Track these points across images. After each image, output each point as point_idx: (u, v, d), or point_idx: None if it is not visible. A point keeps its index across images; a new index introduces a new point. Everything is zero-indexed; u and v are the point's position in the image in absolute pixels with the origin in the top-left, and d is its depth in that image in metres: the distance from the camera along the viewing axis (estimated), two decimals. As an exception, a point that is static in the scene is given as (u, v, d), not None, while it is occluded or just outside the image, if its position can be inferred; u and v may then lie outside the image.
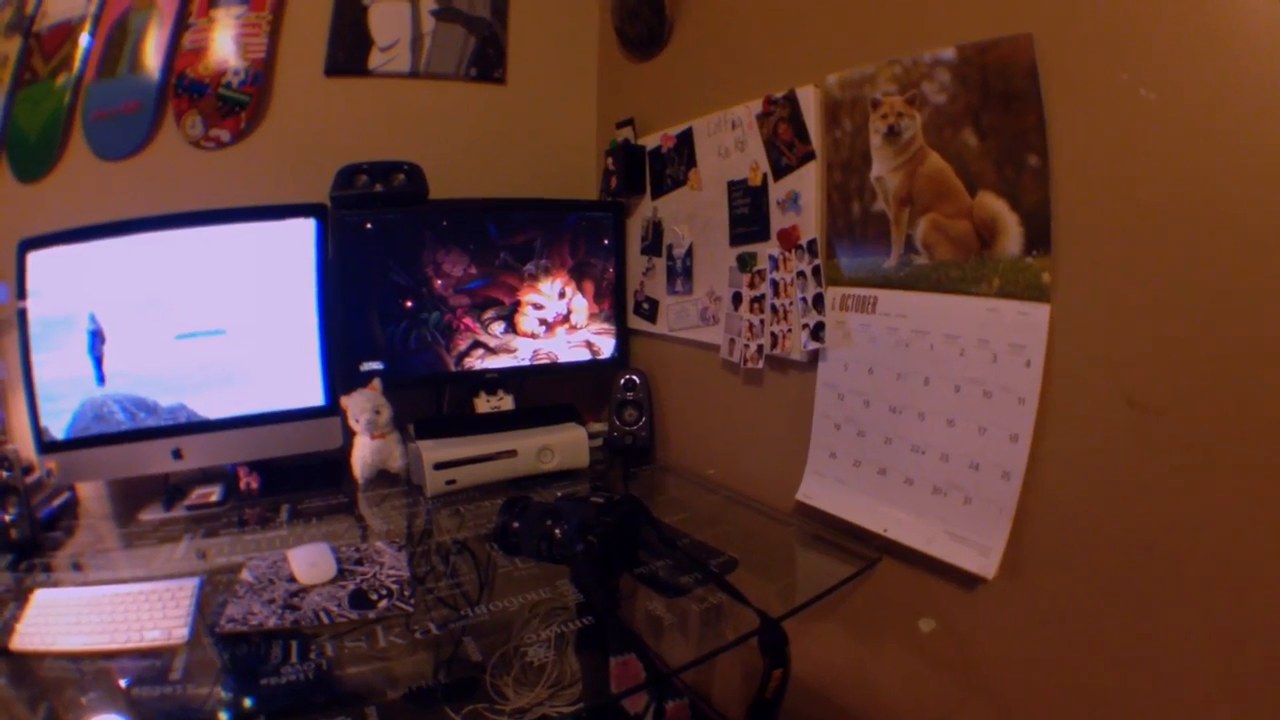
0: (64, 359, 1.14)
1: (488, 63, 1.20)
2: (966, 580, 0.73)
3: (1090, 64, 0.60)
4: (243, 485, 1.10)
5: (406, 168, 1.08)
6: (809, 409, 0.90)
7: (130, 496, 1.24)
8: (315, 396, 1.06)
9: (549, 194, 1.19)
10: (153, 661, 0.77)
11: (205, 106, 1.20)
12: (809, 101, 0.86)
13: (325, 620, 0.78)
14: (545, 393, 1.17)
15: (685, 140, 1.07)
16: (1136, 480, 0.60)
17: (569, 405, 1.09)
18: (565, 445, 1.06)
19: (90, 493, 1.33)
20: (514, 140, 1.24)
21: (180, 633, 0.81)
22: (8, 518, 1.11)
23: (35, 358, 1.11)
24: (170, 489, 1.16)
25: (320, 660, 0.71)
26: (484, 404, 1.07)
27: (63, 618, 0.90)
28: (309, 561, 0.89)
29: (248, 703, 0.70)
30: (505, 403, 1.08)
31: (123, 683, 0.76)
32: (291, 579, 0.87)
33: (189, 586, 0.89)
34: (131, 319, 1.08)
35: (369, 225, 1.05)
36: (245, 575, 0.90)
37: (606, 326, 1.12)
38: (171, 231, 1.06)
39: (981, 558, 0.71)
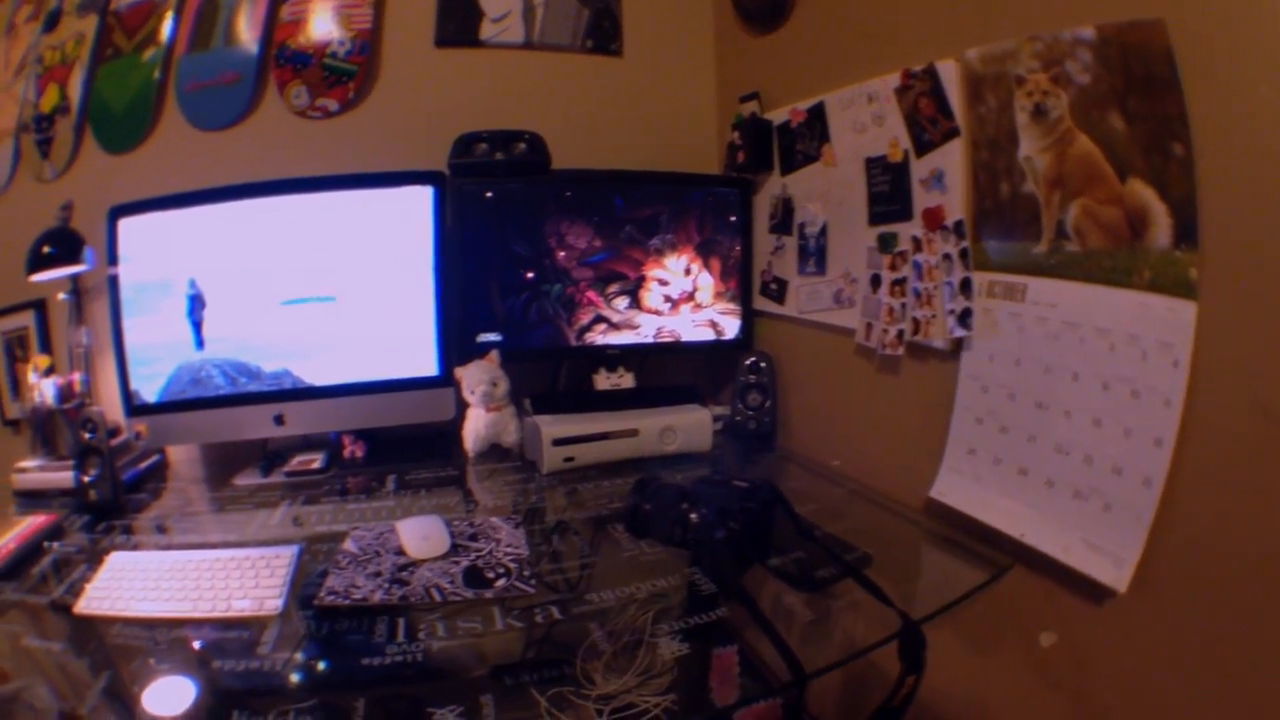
0: (157, 324, 1.25)
1: (604, 35, 1.33)
2: (1094, 593, 0.79)
3: (1226, 53, 0.66)
4: (347, 453, 1.19)
5: (528, 137, 1.18)
6: (948, 401, 0.96)
7: (224, 461, 1.37)
8: (428, 366, 1.15)
9: (666, 168, 1.34)
10: (239, 633, 0.79)
11: (310, 77, 1.36)
12: (950, 76, 0.93)
13: (437, 598, 0.81)
14: (665, 372, 1.31)
15: (817, 114, 1.17)
16: (1275, 497, 0.64)
17: (691, 386, 1.17)
18: (688, 427, 1.17)
19: (181, 456, 1.40)
20: (631, 113, 1.42)
21: (273, 603, 0.83)
22: (87, 478, 1.18)
23: (126, 322, 1.23)
24: (269, 455, 1.31)
25: (431, 641, 0.73)
26: (604, 381, 1.15)
27: (139, 582, 0.92)
28: (420, 534, 0.93)
29: (346, 684, 0.71)
30: (626, 380, 1.15)
31: (200, 653, 0.78)
32: (399, 552, 0.91)
33: (286, 555, 0.92)
34: (236, 284, 1.21)
35: (489, 194, 1.16)
36: (348, 545, 0.94)
37: (731, 306, 1.21)
38: (282, 198, 1.20)
39: (1115, 569, 0.76)
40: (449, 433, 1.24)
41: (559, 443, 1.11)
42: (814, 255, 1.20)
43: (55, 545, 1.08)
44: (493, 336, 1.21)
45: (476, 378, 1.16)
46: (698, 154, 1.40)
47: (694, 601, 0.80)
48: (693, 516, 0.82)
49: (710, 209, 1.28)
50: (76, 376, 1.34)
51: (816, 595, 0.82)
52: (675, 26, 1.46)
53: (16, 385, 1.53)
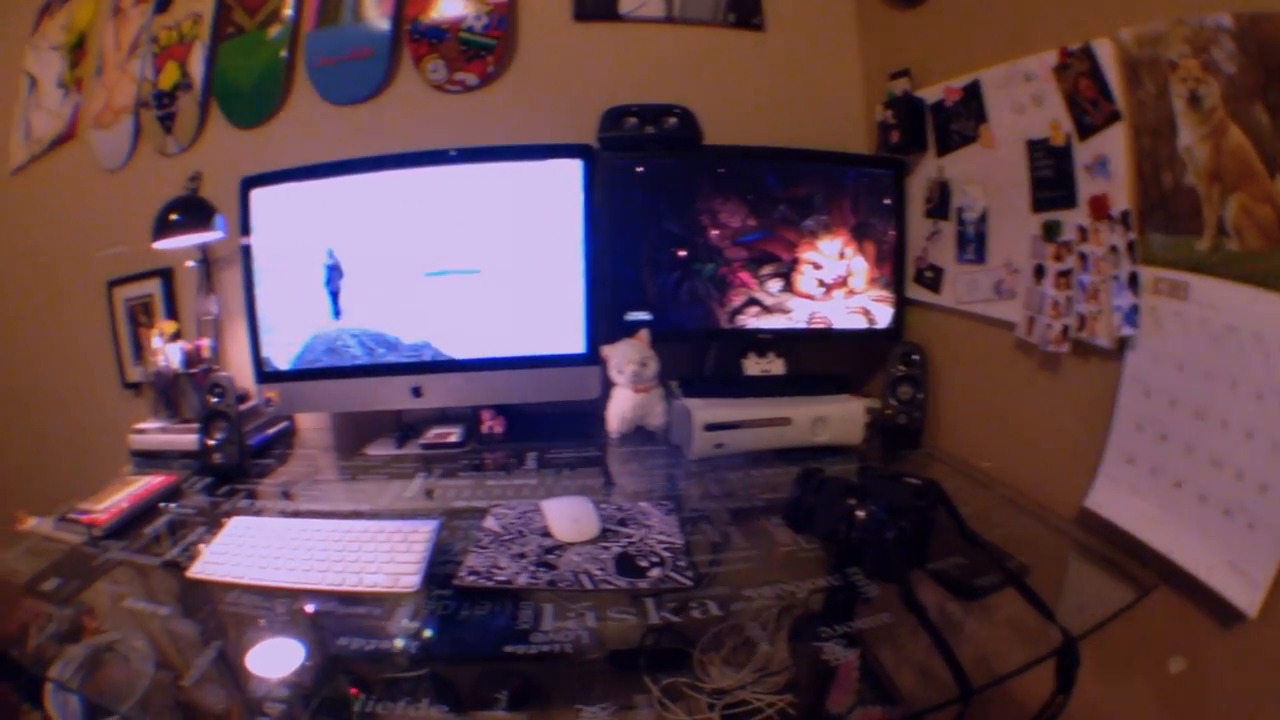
0: (292, 292, 1.23)
1: (746, 8, 1.31)
2: (1225, 616, 0.76)
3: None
4: (485, 428, 1.14)
5: (678, 111, 1.13)
6: (1108, 404, 0.92)
7: (355, 431, 1.38)
8: (574, 344, 1.08)
9: (810, 146, 1.33)
10: (369, 610, 0.74)
11: (446, 51, 1.37)
12: (1106, 56, 0.90)
13: (587, 585, 0.76)
14: (812, 359, 1.31)
15: (973, 93, 1.14)
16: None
17: (841, 375, 1.07)
18: (840, 418, 1.16)
19: (310, 425, 1.36)
20: (774, 89, 1.42)
21: (409, 580, 0.78)
22: (211, 442, 1.17)
23: (259, 290, 1.23)
24: (403, 426, 1.29)
25: (580, 632, 0.69)
26: (754, 366, 1.08)
27: (260, 548, 0.88)
28: (569, 516, 0.90)
29: (487, 672, 0.67)
30: (776, 366, 1.08)
31: (324, 628, 0.73)
32: (545, 533, 0.88)
33: (425, 530, 0.88)
34: (378, 256, 1.21)
35: (640, 169, 1.07)
36: (489, 523, 0.92)
37: (884, 294, 1.16)
38: (426, 169, 1.20)
39: (1249, 592, 0.73)
40: (591, 412, 1.19)
41: (711, 428, 1.09)
42: (973, 242, 1.17)
43: (172, 507, 1.10)
44: (642, 315, 1.16)
45: (626, 357, 1.11)
46: (843, 132, 1.39)
47: (848, 603, 0.76)
48: (859, 513, 0.78)
49: (864, 190, 1.23)
50: (205, 342, 1.33)
51: (972, 604, 0.79)
52: (817, 1, 1.37)
53: (139, 350, 1.50)
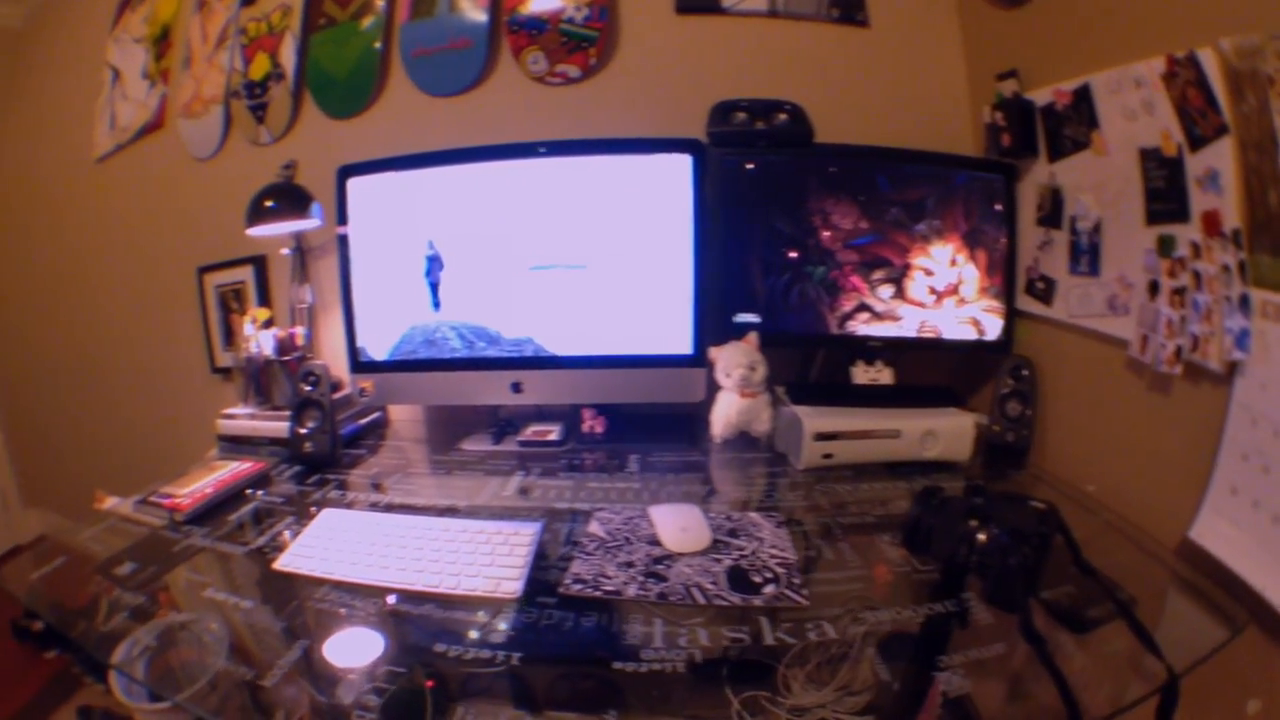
0: (390, 283, 1.19)
1: (850, 4, 1.25)
2: None
3: None
4: (586, 427, 1.09)
5: (789, 107, 1.06)
6: (1216, 431, 0.86)
7: (449, 425, 1.33)
8: (680, 344, 1.01)
9: (916, 147, 1.24)
10: (467, 615, 0.70)
11: (547, 42, 1.32)
12: (1211, 66, 0.84)
13: (699, 599, 0.71)
14: (918, 369, 1.23)
15: (1083, 96, 1.07)
16: None
17: (949, 388, 1.00)
18: (950, 432, 1.09)
19: (402, 416, 1.34)
20: (878, 86, 1.34)
21: (511, 586, 0.73)
22: (303, 430, 1.14)
23: (356, 280, 1.20)
24: (499, 422, 1.28)
25: (693, 651, 0.65)
26: (862, 374, 1.00)
27: (351, 543, 0.84)
28: (678, 524, 0.85)
29: (595, 690, 0.62)
30: (884, 375, 1.02)
31: (419, 633, 0.68)
32: (653, 541, 0.83)
33: (527, 533, 0.83)
34: (480, 248, 1.16)
35: (750, 165, 1.01)
36: (594, 528, 0.87)
37: (994, 304, 1.09)
38: (530, 161, 1.15)
39: None
40: (691, 415, 1.13)
41: (821, 437, 1.01)
42: (1086, 253, 1.10)
43: (258, 494, 1.07)
44: (751, 317, 1.11)
45: (734, 360, 1.05)
46: (948, 134, 1.32)
47: (951, 629, 0.72)
48: (980, 536, 0.73)
49: (975, 195, 1.17)
50: (299, 330, 1.29)
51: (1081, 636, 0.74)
52: None
53: (229, 336, 1.49)
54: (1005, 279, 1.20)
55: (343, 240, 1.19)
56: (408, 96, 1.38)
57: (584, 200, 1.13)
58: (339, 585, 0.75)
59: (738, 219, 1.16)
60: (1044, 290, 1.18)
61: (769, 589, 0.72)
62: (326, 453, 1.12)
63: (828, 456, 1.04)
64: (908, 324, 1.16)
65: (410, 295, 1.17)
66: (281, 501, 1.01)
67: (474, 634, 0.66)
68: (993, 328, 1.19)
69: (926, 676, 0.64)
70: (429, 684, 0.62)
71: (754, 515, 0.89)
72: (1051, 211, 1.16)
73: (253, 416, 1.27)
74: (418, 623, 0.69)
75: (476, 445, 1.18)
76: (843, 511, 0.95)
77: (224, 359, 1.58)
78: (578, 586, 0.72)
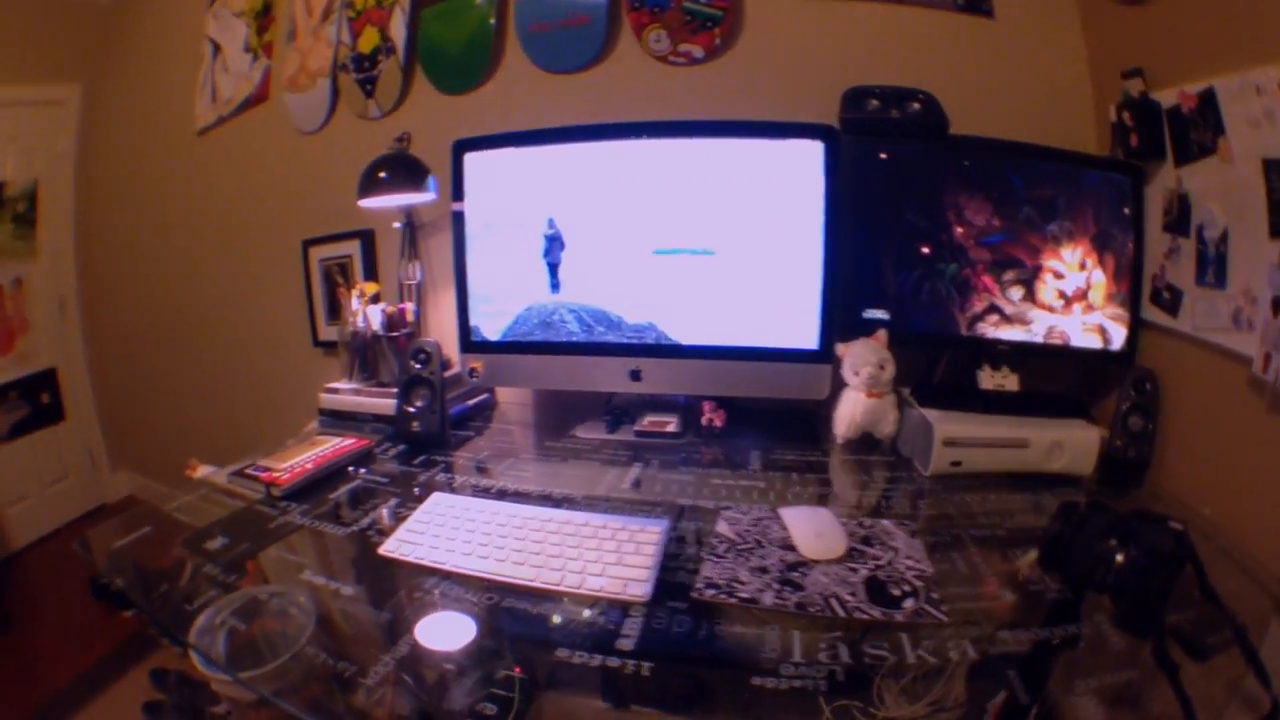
0: (505, 261, 1.14)
1: None
2: None
3: None
4: (705, 420, 1.03)
5: (922, 96, 0.99)
6: None
7: (557, 410, 1.26)
8: (806, 339, 0.95)
9: (1041, 143, 1.17)
10: (591, 616, 0.65)
11: (669, 21, 1.27)
12: None
13: (839, 611, 0.67)
14: (1040, 376, 1.15)
15: (1208, 101, 1.00)
16: None
17: (1076, 397, 0.95)
18: (1076, 446, 1.02)
19: (510, 399, 1.37)
20: (1003, 79, 1.26)
21: (640, 588, 0.68)
22: (411, 408, 1.10)
23: (470, 257, 1.15)
24: (612, 410, 1.21)
25: (835, 667, 0.60)
26: (988, 379, 0.93)
27: (463, 531, 0.78)
28: (812, 529, 0.80)
29: (681, 687, 0.59)
30: (1010, 381, 0.98)
31: (540, 634, 0.63)
32: (786, 546, 0.78)
33: (654, 530, 0.77)
34: (601, 229, 1.11)
35: (883, 155, 0.94)
36: (722, 528, 0.81)
37: (1119, 312, 1.04)
38: (656, 141, 1.09)
39: None
40: (807, 412, 1.08)
41: (951, 444, 0.96)
42: (1213, 264, 1.04)
43: (361, 472, 1.02)
44: (879, 314, 1.06)
45: (863, 358, 1.01)
46: (1072, 131, 1.26)
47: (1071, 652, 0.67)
48: (1119, 557, 0.68)
49: (1104, 197, 1.11)
50: (409, 306, 1.25)
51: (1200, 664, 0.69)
52: None
53: (334, 309, 1.46)
54: (1131, 286, 1.13)
55: (458, 217, 1.14)
56: (523, 73, 1.33)
57: (711, 184, 1.06)
58: (448, 575, 0.69)
59: (869, 210, 1.09)
60: (1170, 300, 1.10)
61: (908, 603, 0.67)
62: (435, 433, 1.07)
63: (955, 464, 0.99)
64: (1036, 328, 1.09)
65: (527, 275, 1.11)
66: (386, 482, 0.96)
67: (595, 637, 0.61)
68: (1117, 337, 1.12)
69: (1036, 697, 0.60)
70: (517, 671, 0.58)
71: (886, 523, 0.84)
72: (1179, 218, 1.08)
73: (357, 392, 1.22)
74: (531, 621, 0.64)
75: (590, 433, 1.14)
76: (973, 523, 0.89)
77: (327, 333, 1.54)
78: (711, 592, 0.67)
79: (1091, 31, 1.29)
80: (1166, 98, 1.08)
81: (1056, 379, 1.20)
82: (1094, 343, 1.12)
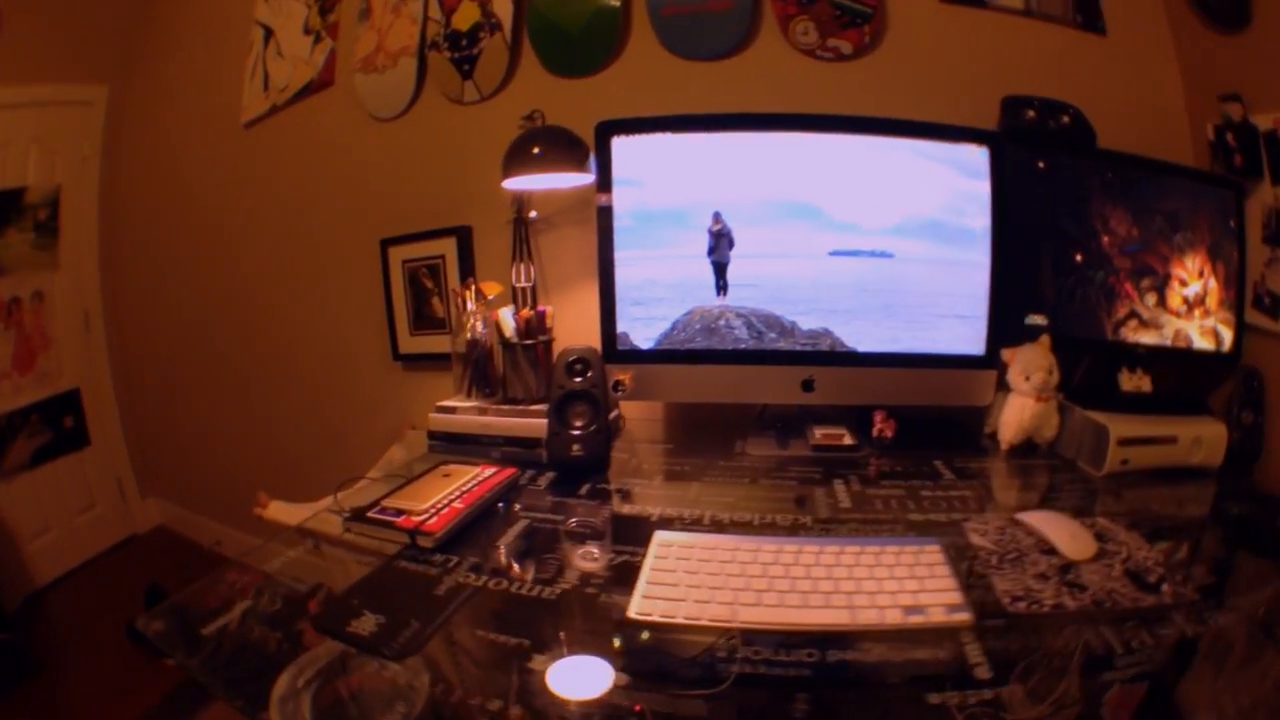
0: (660, 259, 1.04)
1: (1091, 10, 1.17)
2: None
3: None
4: (875, 431, 0.97)
5: (1071, 110, 0.98)
6: None
7: (692, 425, 1.18)
8: (969, 344, 0.92)
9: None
10: (927, 650, 0.60)
11: (819, 14, 1.20)
12: None
13: (1124, 604, 0.67)
14: (1162, 377, 1.16)
15: None
16: None
17: (1199, 396, 0.98)
18: (1210, 440, 1.05)
19: (634, 414, 1.21)
20: (1113, 95, 1.26)
21: (963, 613, 0.63)
22: (572, 430, 0.97)
23: (618, 254, 1.03)
24: (774, 424, 1.13)
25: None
26: (1127, 381, 0.96)
27: (723, 577, 0.66)
28: (1066, 532, 0.80)
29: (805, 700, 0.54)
30: (1145, 383, 1.00)
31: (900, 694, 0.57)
32: (1046, 550, 0.77)
33: (933, 550, 0.73)
34: (773, 226, 1.02)
35: (1041, 164, 0.94)
36: (977, 540, 0.79)
37: (1228, 316, 1.07)
38: (820, 135, 1.02)
39: None
40: (960, 419, 1.06)
41: (1125, 443, 0.99)
42: None
43: (516, 508, 0.85)
44: (1040, 319, 1.04)
45: (1033, 363, 1.00)
46: (1171, 149, 1.27)
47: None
48: None
49: (1215, 210, 1.13)
50: (548, 309, 1.12)
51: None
52: (1144, 11, 1.27)
53: (421, 317, 1.28)
54: (1237, 292, 1.18)
55: (604, 211, 1.00)
56: (654, 57, 1.21)
57: (890, 184, 0.99)
58: (726, 631, 0.58)
59: (1029, 217, 1.08)
60: (1270, 305, 1.17)
61: (1166, 587, 0.67)
62: (600, 456, 0.93)
63: (1124, 462, 1.00)
64: (1166, 332, 1.13)
65: (686, 275, 0.99)
66: (560, 519, 0.79)
67: (949, 672, 0.56)
68: (1226, 339, 1.17)
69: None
70: (637, 709, 0.53)
71: (1101, 520, 0.84)
72: (1277, 231, 1.14)
73: (482, 411, 1.07)
74: (864, 670, 0.57)
75: (759, 449, 1.05)
76: (1156, 513, 0.90)
77: (410, 344, 1.35)
78: (1021, 603, 0.64)
79: (1186, 54, 1.31)
80: (1264, 122, 1.13)
81: (1172, 379, 1.23)
82: (1208, 345, 1.17)
